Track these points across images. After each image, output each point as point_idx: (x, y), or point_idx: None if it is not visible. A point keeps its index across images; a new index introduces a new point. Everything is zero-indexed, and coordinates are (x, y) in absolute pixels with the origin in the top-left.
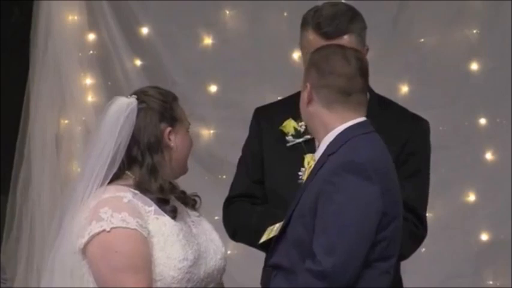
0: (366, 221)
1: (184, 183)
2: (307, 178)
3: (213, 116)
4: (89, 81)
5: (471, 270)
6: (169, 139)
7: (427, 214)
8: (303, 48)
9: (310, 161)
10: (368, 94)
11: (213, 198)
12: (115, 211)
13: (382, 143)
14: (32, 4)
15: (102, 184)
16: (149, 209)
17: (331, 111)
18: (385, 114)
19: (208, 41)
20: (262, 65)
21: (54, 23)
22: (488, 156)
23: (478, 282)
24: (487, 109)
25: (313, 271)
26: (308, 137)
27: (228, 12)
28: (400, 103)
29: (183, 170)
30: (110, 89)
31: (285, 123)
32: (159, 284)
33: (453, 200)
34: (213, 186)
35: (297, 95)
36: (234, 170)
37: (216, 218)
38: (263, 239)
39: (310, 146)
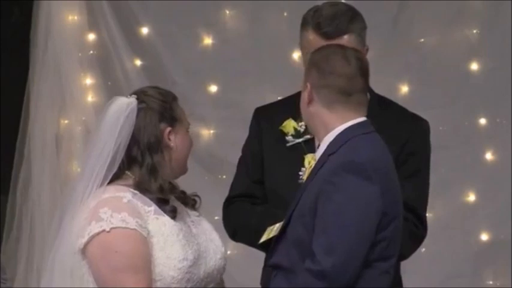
0: (365, 221)
1: (184, 183)
2: (307, 178)
3: (213, 116)
4: (89, 81)
5: (471, 270)
6: (169, 139)
7: (427, 214)
8: (303, 48)
9: (310, 160)
10: (368, 94)
11: (213, 198)
12: (115, 211)
13: (382, 143)
14: (32, 4)
15: (102, 184)
16: (149, 209)
17: (331, 111)
18: (385, 114)
19: (208, 41)
20: (262, 65)
21: (54, 23)
22: (488, 156)
23: (478, 282)
24: (487, 109)
25: (313, 271)
26: (308, 137)
27: (228, 12)
28: (400, 103)
29: (183, 170)
30: (110, 89)
31: (284, 123)
32: (158, 284)
33: (453, 200)
34: (213, 186)
35: (297, 95)
36: (234, 170)
37: (216, 218)
38: (263, 239)
39: (310, 146)
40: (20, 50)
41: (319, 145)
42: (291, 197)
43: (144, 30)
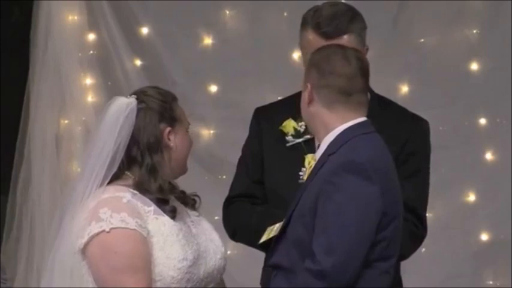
0: (365, 221)
1: (184, 183)
2: (308, 178)
3: (213, 116)
4: (89, 81)
5: (471, 270)
6: (169, 139)
7: (427, 214)
8: (302, 48)
9: (311, 161)
10: (368, 94)
11: (213, 198)
12: (114, 211)
13: (382, 143)
14: (32, 4)
15: (101, 184)
16: (148, 209)
17: (331, 111)
18: (385, 114)
19: (208, 41)
20: (262, 65)
21: (54, 23)
22: (488, 156)
23: (478, 282)
24: (487, 109)
25: (313, 271)
26: (308, 137)
27: (228, 12)
28: (400, 103)
29: (183, 170)
30: (110, 89)
31: (284, 123)
32: (158, 284)
33: (453, 200)
34: (213, 186)
35: (297, 95)
36: (234, 170)
37: (216, 218)
38: (263, 239)
39: (310, 146)
40: (20, 50)
41: (319, 145)
42: (291, 197)
43: (144, 30)
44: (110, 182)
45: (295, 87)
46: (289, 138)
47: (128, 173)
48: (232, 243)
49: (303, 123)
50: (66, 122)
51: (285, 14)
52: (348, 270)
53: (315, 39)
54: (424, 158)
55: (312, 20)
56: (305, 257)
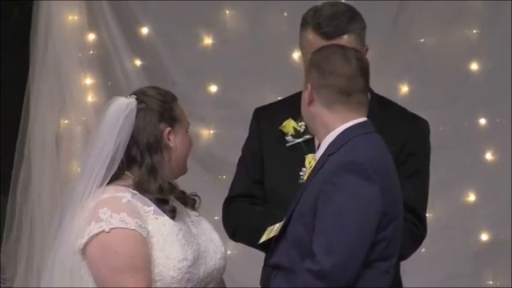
0: (365, 221)
1: (184, 183)
2: (307, 178)
3: (213, 116)
4: (89, 81)
5: (471, 270)
6: (169, 139)
7: (427, 214)
8: (302, 48)
9: (311, 161)
10: (369, 94)
11: (213, 198)
12: (114, 212)
13: (382, 143)
14: (32, 4)
15: (101, 184)
16: (148, 209)
17: (331, 112)
18: (384, 115)
19: (208, 41)
20: (262, 65)
21: (54, 23)
22: (488, 156)
23: (478, 282)
24: (487, 109)
25: (313, 271)
26: (308, 137)
27: (228, 12)
28: (400, 103)
29: (183, 170)
30: (110, 89)
31: (284, 123)
32: (158, 284)
33: (453, 200)
34: (213, 186)
35: (297, 95)
36: (234, 170)
37: (216, 218)
38: (263, 239)
39: (309, 146)
40: (20, 50)
41: (319, 145)
42: (291, 197)
43: (144, 30)
44: (109, 182)
45: (295, 87)
46: (289, 138)
47: (128, 173)
48: (232, 243)
49: (302, 123)
50: (66, 122)
51: (285, 14)
52: (348, 270)
53: (314, 39)
54: (424, 158)
55: (312, 20)
56: (305, 257)
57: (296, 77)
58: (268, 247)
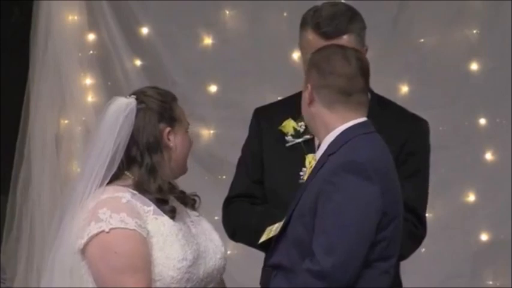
0: (365, 221)
1: (184, 183)
2: (307, 178)
3: (213, 116)
4: (89, 81)
5: (471, 270)
6: (169, 139)
7: (427, 214)
8: (302, 48)
9: (311, 161)
10: (369, 94)
11: (213, 198)
12: (114, 212)
13: (382, 143)
14: (32, 4)
15: (101, 184)
16: (148, 209)
17: (332, 112)
18: (384, 114)
19: (208, 41)
20: (262, 65)
21: (54, 23)
22: (488, 156)
23: (478, 282)
24: (487, 109)
25: (313, 271)
26: (307, 137)
27: (228, 12)
28: (400, 103)
29: (183, 170)
30: (110, 89)
31: (284, 123)
32: (158, 284)
33: (453, 200)
34: (213, 186)
35: (297, 95)
36: (234, 170)
37: (216, 218)
38: (262, 239)
39: (309, 146)
40: (20, 50)
41: (319, 145)
42: (291, 197)
43: (144, 30)
44: (109, 183)
45: (295, 87)
46: (288, 138)
47: (128, 173)
48: (232, 243)
49: (302, 123)
50: (66, 122)
51: (285, 14)
52: (348, 270)
53: (314, 39)
54: (423, 158)
55: (312, 20)
56: (305, 257)
57: (296, 77)
58: (267, 247)
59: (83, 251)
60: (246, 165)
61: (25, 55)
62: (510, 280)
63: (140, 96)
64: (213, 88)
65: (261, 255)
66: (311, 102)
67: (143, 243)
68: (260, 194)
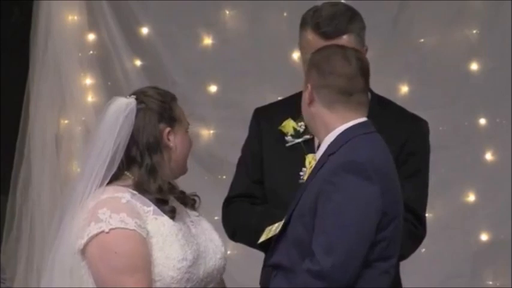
0: (365, 221)
1: (184, 183)
2: (307, 178)
3: (213, 116)
4: (89, 81)
5: (471, 270)
6: (169, 139)
7: (426, 214)
8: (302, 48)
9: (311, 161)
10: (369, 94)
11: (213, 198)
12: (113, 212)
13: (383, 143)
14: (32, 4)
15: (101, 184)
16: (148, 209)
17: (332, 112)
18: (384, 115)
19: (208, 41)
20: (262, 65)
21: (54, 23)
22: (488, 156)
23: (478, 283)
24: (487, 109)
25: (312, 271)
26: (307, 137)
27: (228, 12)
28: (400, 103)
29: (183, 170)
30: (110, 89)
31: (284, 123)
32: (158, 284)
33: (453, 200)
34: (213, 186)
35: (297, 95)
36: (234, 170)
37: (216, 218)
38: (262, 239)
39: (309, 146)
40: (20, 50)
41: (319, 145)
42: (291, 197)
43: (144, 30)
44: (109, 183)
45: (295, 87)
46: (288, 138)
47: (128, 173)
48: (232, 243)
49: (302, 123)
50: (66, 122)
51: (285, 14)
52: (348, 270)
53: (314, 39)
54: (423, 158)
55: (312, 20)
56: (305, 257)
57: (296, 77)
58: (267, 247)
59: (83, 251)
60: (246, 165)
61: (25, 55)
62: (510, 280)
63: (140, 96)
64: (213, 88)
65: (261, 255)
66: (311, 102)
67: (143, 244)
68: (260, 194)
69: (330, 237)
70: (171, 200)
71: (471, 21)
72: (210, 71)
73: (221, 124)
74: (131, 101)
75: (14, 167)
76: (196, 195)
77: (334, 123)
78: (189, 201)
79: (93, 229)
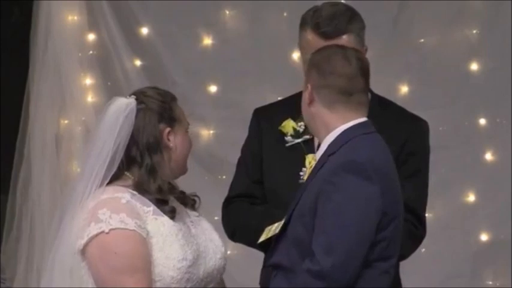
0: (365, 221)
1: (184, 183)
2: (307, 178)
3: (213, 116)
4: (89, 81)
5: (471, 270)
6: (169, 139)
7: (427, 214)
8: (302, 48)
9: (311, 161)
10: (369, 94)
11: (212, 198)
12: (113, 212)
13: (383, 143)
14: (32, 4)
15: (101, 184)
16: (148, 210)
17: (332, 112)
18: (384, 115)
19: (208, 41)
20: (262, 65)
21: (54, 23)
22: (488, 156)
23: (478, 282)
24: (487, 109)
25: (312, 271)
26: (307, 137)
27: (228, 12)
28: (400, 103)
29: (183, 171)
30: (110, 89)
31: (284, 124)
32: (158, 284)
33: (453, 200)
34: (213, 186)
35: (297, 95)
36: (234, 170)
37: (216, 218)
38: (261, 238)
39: (309, 146)
40: (20, 50)
41: (319, 145)
42: (291, 197)
43: (144, 30)
44: (109, 183)
45: (295, 87)
46: (288, 138)
47: (128, 174)
48: (232, 243)
49: (302, 123)
50: (66, 122)
51: (285, 14)
52: (348, 270)
53: (314, 39)
54: (423, 158)
55: (311, 20)
56: (305, 257)
57: (296, 77)
58: (267, 247)
59: (83, 251)
60: (246, 165)
61: (25, 55)
62: (510, 280)
63: (140, 96)
64: (213, 88)
65: (261, 255)
66: (311, 102)
67: (143, 244)
68: (260, 194)
69: (330, 237)
70: (171, 200)
71: (471, 21)
72: (210, 71)
73: (221, 124)
74: (131, 101)
75: (14, 167)
76: (196, 195)
77: (334, 123)
78: (189, 202)
79: (93, 229)
